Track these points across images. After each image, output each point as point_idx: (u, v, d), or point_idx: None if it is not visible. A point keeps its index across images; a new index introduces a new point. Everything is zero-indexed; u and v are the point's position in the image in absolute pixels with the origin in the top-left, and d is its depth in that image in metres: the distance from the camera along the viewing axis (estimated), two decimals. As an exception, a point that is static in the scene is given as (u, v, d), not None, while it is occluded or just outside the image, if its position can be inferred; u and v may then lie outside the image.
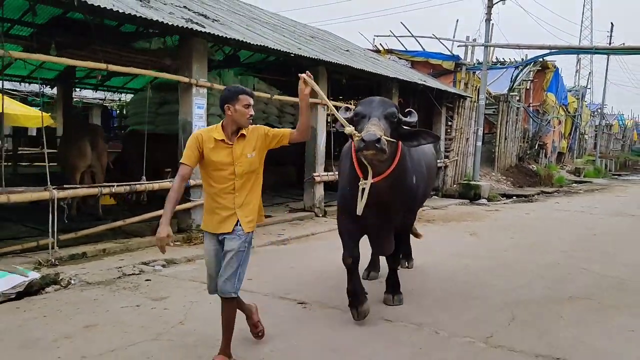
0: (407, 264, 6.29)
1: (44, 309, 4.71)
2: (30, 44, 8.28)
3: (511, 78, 18.04)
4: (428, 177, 5.41)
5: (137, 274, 5.95)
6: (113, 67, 6.75)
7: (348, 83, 12.12)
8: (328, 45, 12.70)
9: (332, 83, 10.84)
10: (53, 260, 6.05)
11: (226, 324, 3.57)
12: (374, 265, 5.94)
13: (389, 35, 17.58)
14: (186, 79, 7.71)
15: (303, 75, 3.56)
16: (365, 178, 4.10)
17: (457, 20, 20.20)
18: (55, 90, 16.40)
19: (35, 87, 17.17)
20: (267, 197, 12.39)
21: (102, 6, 5.95)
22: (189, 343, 3.98)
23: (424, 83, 13.19)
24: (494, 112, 19.49)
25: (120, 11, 6.19)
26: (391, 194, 4.31)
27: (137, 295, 5.16)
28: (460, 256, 7.22)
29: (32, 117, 16.09)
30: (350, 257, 4.55)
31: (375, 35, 20.90)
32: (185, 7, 8.54)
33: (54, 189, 6.23)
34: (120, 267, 6.08)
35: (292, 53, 8.80)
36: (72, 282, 5.49)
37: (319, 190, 10.73)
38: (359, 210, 4.12)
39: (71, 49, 8.31)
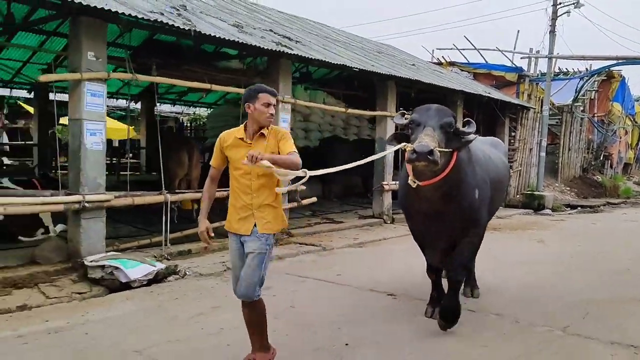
0: (471, 293, 5.57)
1: (173, 293, 5.57)
2: (121, 64, 9.32)
3: (576, 89, 18.04)
4: (497, 190, 5.15)
5: (239, 269, 6.76)
6: (216, 87, 7.69)
7: (415, 96, 12.71)
8: (395, 60, 13.34)
9: (402, 96, 11.44)
10: (165, 255, 6.97)
11: (257, 324, 3.62)
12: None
13: (451, 48, 18.02)
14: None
15: (245, 162, 3.23)
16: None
17: (518, 32, 20.42)
18: (138, 105, 17.84)
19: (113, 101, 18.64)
20: (336, 205, 13.15)
21: (212, 35, 6.85)
22: (304, 322, 4.70)
23: (489, 95, 13.58)
24: (557, 122, 19.45)
25: (225, 38, 7.08)
26: (445, 205, 4.25)
27: (245, 285, 5.94)
28: (530, 261, 7.63)
29: (118, 130, 17.63)
30: (434, 274, 4.89)
31: (437, 48, 21.33)
32: (271, 30, 9.42)
33: (167, 193, 7.17)
34: (223, 262, 6.91)
35: (366, 70, 9.51)
36: (187, 273, 6.37)
37: (387, 199, 11.32)
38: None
39: (164, 69, 9.34)
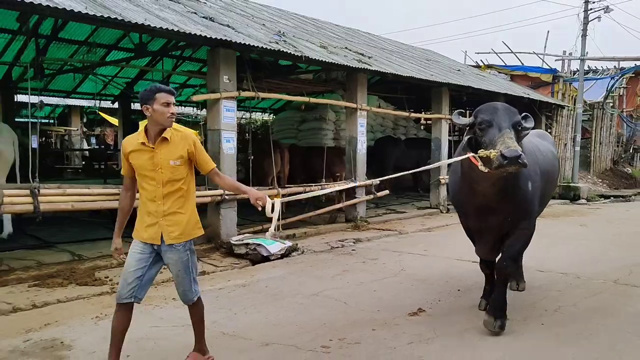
0: (517, 286, 5.61)
1: (304, 263, 7.21)
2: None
3: (607, 87, 19.27)
4: (547, 182, 5.16)
5: (341, 247, 8.38)
6: (314, 100, 9.30)
7: (459, 99, 14.19)
8: (443, 67, 14.84)
9: (453, 100, 12.95)
10: (277, 238, 8.63)
11: (200, 324, 3.66)
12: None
13: (489, 52, 19.44)
14: (354, 105, 10.15)
15: (270, 202, 3.58)
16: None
17: (548, 32, 21.67)
18: (203, 112, 19.63)
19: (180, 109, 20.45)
20: (391, 198, 14.70)
21: (316, 58, 8.48)
22: (419, 279, 6.26)
23: (528, 96, 15.00)
24: (588, 118, 20.70)
25: (325, 60, 8.70)
26: (500, 198, 4.30)
27: (356, 257, 7.56)
28: (577, 239, 9.11)
29: (184, 134, 19.42)
30: (488, 268, 4.92)
31: (476, 52, 22.70)
32: (346, 47, 11.03)
33: (279, 188, 8.84)
34: (327, 242, 8.56)
35: (430, 80, 11.06)
36: (305, 250, 8.01)
37: (443, 191, 12.82)
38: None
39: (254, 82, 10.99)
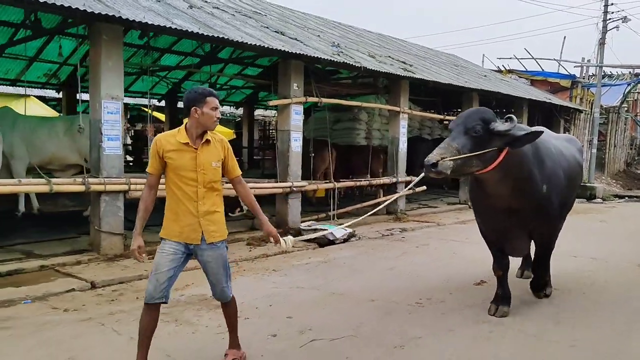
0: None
1: (365, 247, 8.34)
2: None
3: (623, 92, 20.29)
4: (569, 187, 5.20)
5: (391, 235, 9.50)
6: (366, 104, 10.42)
7: (487, 103, 15.26)
8: (471, 72, 15.93)
9: (480, 104, 14.04)
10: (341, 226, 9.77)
11: (235, 320, 3.74)
12: (527, 264, 6.09)
13: (510, 58, 20.50)
14: (397, 108, 11.27)
15: (283, 239, 3.82)
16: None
17: (565, 37, 22.68)
18: (240, 111, 20.84)
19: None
20: (421, 194, 15.81)
21: (372, 68, 9.61)
22: (471, 260, 7.36)
23: (550, 101, 16.07)
24: (603, 121, 21.73)
25: (379, 70, 9.83)
26: (511, 200, 4.46)
27: (408, 243, 8.68)
28: (599, 232, 10.20)
29: (221, 133, 20.66)
30: (500, 270, 4.97)
31: (498, 58, 23.67)
32: (389, 56, 12.15)
33: (335, 182, 9.99)
34: (377, 231, 9.69)
35: (462, 86, 12.16)
36: (360, 237, 9.15)
37: (471, 188, 13.92)
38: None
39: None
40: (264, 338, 4.26)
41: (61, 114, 15.16)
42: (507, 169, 4.22)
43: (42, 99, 17.85)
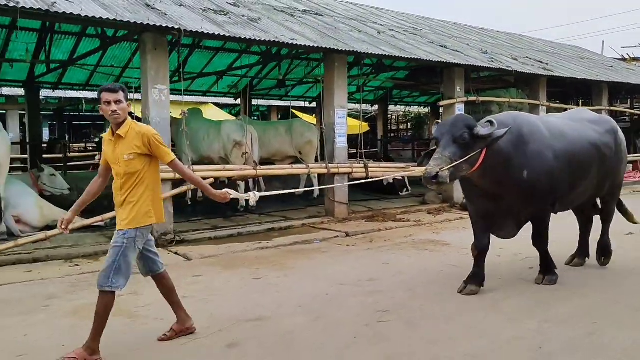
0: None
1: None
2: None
3: None
4: (578, 167, 5.16)
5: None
6: (514, 100, 12.52)
7: (615, 93, 16.57)
8: (597, 64, 17.27)
9: (610, 94, 15.46)
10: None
11: (96, 318, 3.54)
12: (581, 252, 6.05)
13: (635, 46, 21.25)
14: (538, 102, 13.17)
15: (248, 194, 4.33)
16: None
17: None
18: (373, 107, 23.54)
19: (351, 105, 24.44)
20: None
21: (519, 70, 11.70)
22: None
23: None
24: None
25: (523, 71, 11.88)
26: (492, 187, 4.77)
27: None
28: None
29: (353, 127, 23.37)
30: (477, 250, 5.07)
31: (622, 47, 24.45)
32: (527, 57, 14.08)
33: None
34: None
35: (593, 79, 13.79)
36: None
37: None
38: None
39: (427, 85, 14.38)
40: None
41: (238, 117, 18.63)
42: (486, 164, 4.50)
43: (216, 104, 21.65)
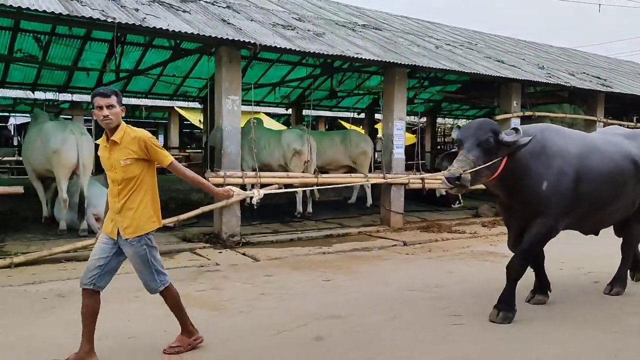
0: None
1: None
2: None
3: None
4: (613, 184, 4.91)
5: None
6: (570, 115, 12.49)
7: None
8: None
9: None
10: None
11: (174, 310, 3.81)
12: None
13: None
14: (594, 118, 13.07)
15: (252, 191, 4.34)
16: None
17: None
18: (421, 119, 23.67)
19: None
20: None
21: (577, 86, 11.68)
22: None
23: None
24: None
25: (581, 87, 11.85)
26: (511, 196, 4.65)
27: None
28: None
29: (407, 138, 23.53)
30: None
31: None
32: (584, 72, 14.00)
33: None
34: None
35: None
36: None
37: None
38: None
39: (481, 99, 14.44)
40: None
41: (290, 127, 19.13)
42: (505, 173, 4.37)
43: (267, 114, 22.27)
